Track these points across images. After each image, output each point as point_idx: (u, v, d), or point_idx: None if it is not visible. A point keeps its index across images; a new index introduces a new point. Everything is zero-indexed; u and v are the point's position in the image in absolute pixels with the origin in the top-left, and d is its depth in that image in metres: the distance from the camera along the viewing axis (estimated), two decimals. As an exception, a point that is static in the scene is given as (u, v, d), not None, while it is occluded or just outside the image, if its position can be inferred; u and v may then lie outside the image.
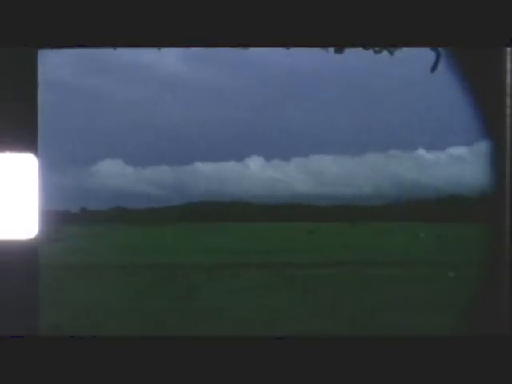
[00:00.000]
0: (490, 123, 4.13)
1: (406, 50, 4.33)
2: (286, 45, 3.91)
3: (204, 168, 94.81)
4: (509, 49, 3.99)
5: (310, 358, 3.65)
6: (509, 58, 3.99)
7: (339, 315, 19.00)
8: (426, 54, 4.40)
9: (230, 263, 28.47)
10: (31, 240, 3.71)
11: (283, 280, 24.07)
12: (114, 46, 3.87)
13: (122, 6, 3.56)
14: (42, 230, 3.74)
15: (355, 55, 4.35)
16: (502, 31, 3.66)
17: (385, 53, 4.38)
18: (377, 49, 4.32)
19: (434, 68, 4.45)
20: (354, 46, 3.95)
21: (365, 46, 4.06)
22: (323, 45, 4.00)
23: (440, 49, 4.35)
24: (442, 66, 4.42)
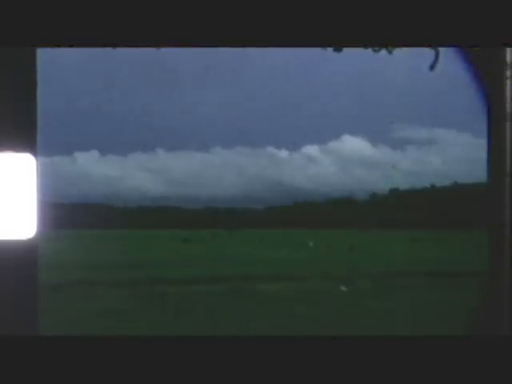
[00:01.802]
0: (490, 121, 4.13)
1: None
2: (285, 45, 3.90)
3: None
4: (509, 49, 3.99)
5: (310, 358, 3.65)
6: (509, 57, 3.99)
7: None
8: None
9: (83, 280, 24.02)
10: (30, 239, 3.71)
11: (151, 300, 20.77)
12: (114, 45, 3.86)
13: (122, 5, 3.56)
14: (40, 230, 3.75)
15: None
16: (502, 31, 3.65)
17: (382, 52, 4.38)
18: (376, 48, 4.32)
19: (432, 66, 4.44)
20: (353, 45, 3.95)
21: (364, 46, 4.06)
22: (323, 45, 4.00)
23: (440, 48, 4.34)
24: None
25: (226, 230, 63.61)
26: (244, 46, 3.95)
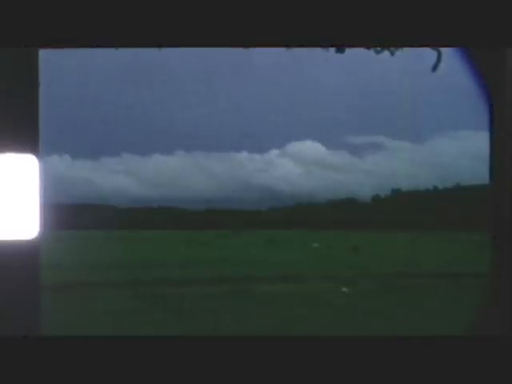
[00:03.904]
0: (492, 122, 4.14)
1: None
2: (286, 45, 3.91)
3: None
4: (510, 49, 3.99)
5: (311, 358, 3.66)
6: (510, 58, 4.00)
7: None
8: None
9: (84, 281, 24.01)
10: (32, 240, 3.72)
11: (153, 301, 20.61)
12: (114, 46, 3.87)
13: (122, 5, 3.57)
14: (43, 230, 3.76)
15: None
16: (503, 32, 3.65)
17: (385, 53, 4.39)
18: (378, 49, 4.33)
19: (435, 68, 4.45)
20: (354, 46, 3.96)
21: (366, 46, 4.07)
22: (324, 45, 4.00)
23: (442, 48, 4.35)
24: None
25: (229, 231, 63.63)
26: (244, 46, 3.97)
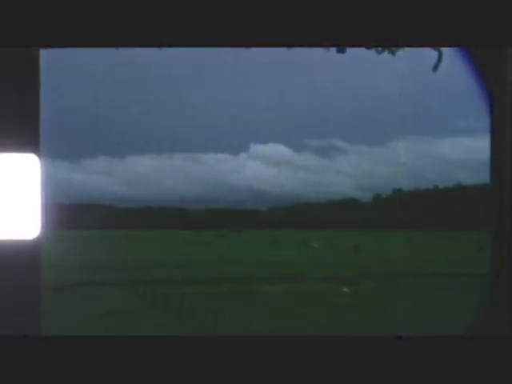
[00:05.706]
0: (493, 122, 4.15)
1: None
2: (286, 45, 3.91)
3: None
4: (510, 49, 4.00)
5: (310, 358, 3.66)
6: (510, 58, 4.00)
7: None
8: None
9: (85, 281, 23.79)
10: (33, 240, 3.72)
11: (153, 301, 20.48)
12: (115, 45, 3.88)
13: (122, 6, 3.57)
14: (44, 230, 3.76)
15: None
16: (503, 32, 3.65)
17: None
18: (379, 49, 4.33)
19: (435, 67, 4.45)
20: (355, 45, 3.96)
21: (366, 46, 4.07)
22: (324, 45, 4.00)
23: (443, 48, 4.36)
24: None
25: (230, 231, 63.67)
26: (244, 46, 3.97)
